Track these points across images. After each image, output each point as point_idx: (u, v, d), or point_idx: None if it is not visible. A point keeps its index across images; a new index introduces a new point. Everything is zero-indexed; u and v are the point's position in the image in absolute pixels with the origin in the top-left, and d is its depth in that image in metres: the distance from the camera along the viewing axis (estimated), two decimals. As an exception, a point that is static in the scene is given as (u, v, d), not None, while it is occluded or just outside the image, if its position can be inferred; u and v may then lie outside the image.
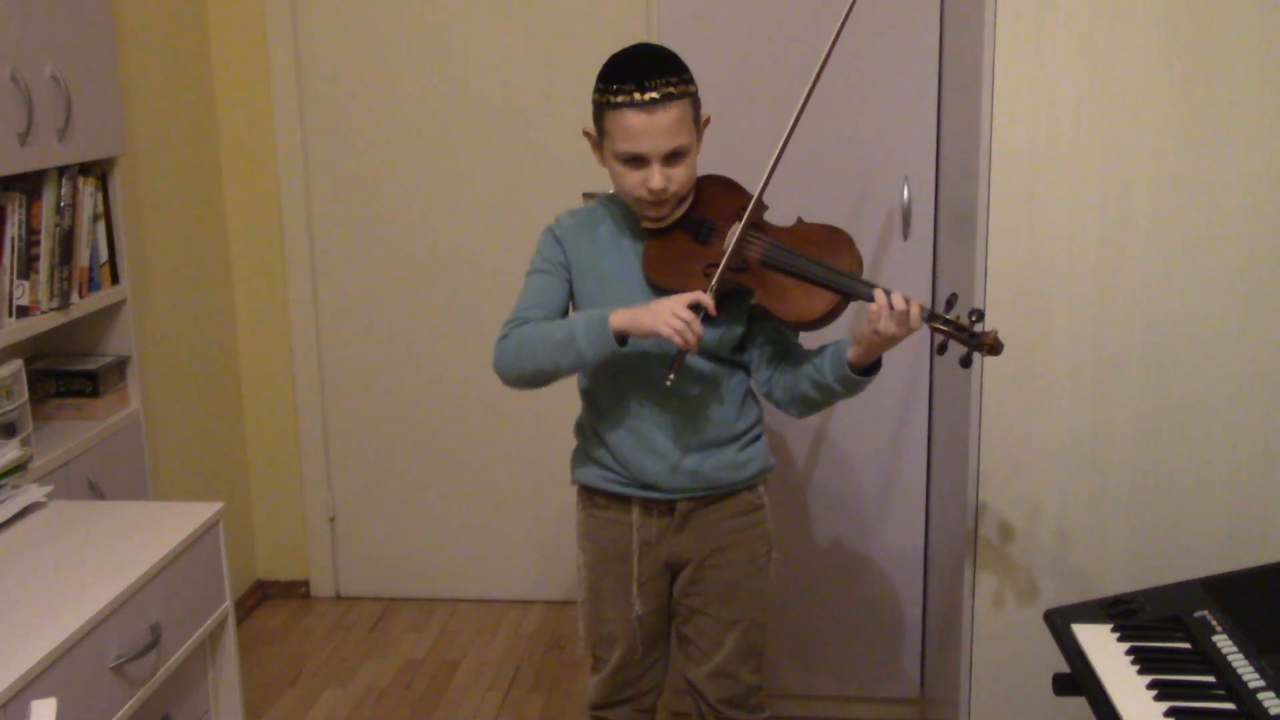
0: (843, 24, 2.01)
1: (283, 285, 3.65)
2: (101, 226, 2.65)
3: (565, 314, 2.10)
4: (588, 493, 2.20)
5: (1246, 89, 2.07)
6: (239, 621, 2.69)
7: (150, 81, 3.18)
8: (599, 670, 2.26)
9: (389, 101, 3.52)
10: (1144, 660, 1.75)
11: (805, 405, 2.07)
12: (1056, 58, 2.11)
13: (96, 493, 2.57)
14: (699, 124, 2.02)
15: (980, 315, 1.88)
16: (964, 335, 1.87)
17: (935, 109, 2.66)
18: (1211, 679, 1.68)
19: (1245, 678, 1.64)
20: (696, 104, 1.99)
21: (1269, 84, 2.06)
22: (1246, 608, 1.84)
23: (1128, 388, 2.20)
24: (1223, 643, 1.74)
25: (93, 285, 2.63)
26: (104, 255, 2.67)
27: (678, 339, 1.87)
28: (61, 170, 2.49)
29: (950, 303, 1.90)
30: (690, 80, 1.97)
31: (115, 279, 2.72)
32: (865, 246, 2.71)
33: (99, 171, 2.64)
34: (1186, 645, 1.78)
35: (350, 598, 3.84)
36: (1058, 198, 2.15)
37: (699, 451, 2.09)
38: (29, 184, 2.42)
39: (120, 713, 1.82)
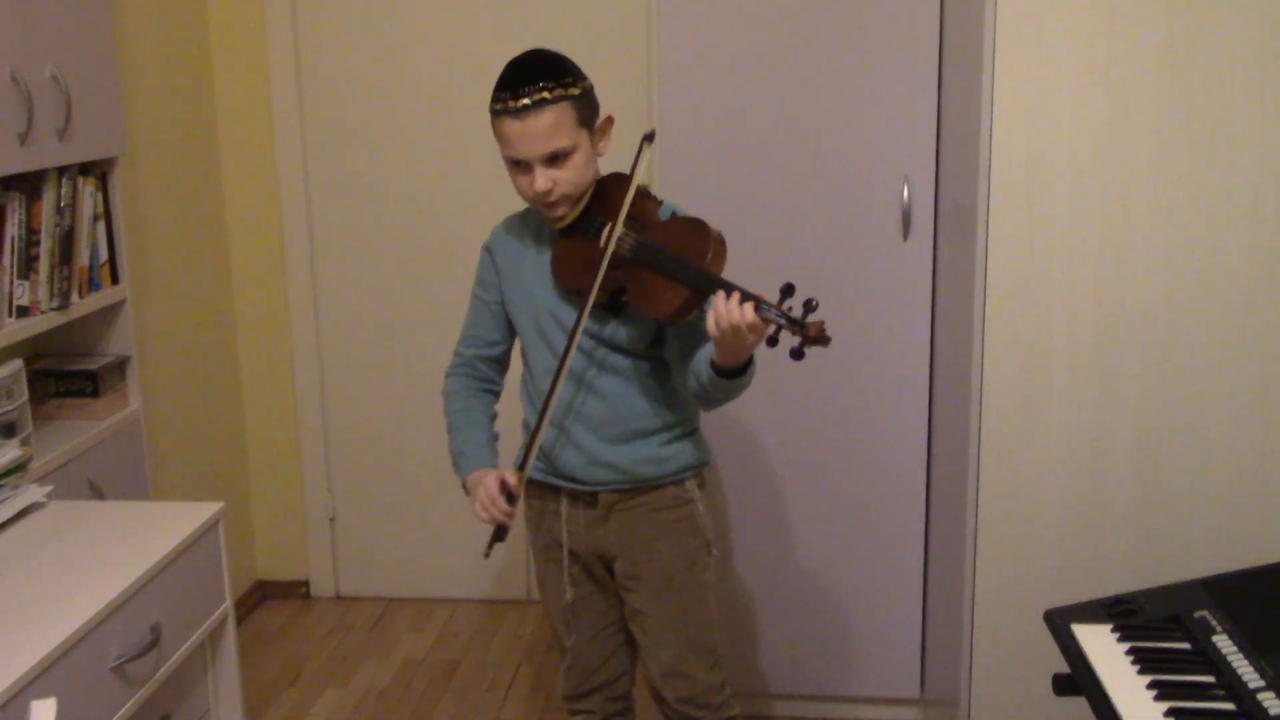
0: (635, 161, 2.01)
1: (283, 285, 3.65)
2: (101, 226, 2.65)
3: (504, 334, 2.22)
4: (527, 484, 2.23)
5: (1247, 88, 2.07)
6: (239, 621, 2.69)
7: (150, 81, 3.18)
8: (564, 662, 2.31)
9: (389, 102, 3.52)
10: (1144, 660, 1.75)
11: (702, 402, 2.06)
12: (1056, 58, 2.11)
13: (96, 493, 2.57)
14: (590, 125, 2.02)
15: (814, 305, 1.81)
16: (790, 325, 1.80)
17: (935, 109, 2.66)
18: (1211, 679, 1.68)
19: (1245, 678, 1.64)
20: (582, 105, 1.99)
21: (1270, 83, 2.06)
22: (1246, 608, 1.84)
23: (1128, 386, 2.20)
24: (1223, 643, 1.74)
25: (93, 285, 2.63)
26: (104, 255, 2.67)
27: (484, 516, 2.06)
28: (61, 170, 2.49)
29: (785, 293, 1.84)
30: (573, 84, 1.97)
31: (115, 279, 2.72)
32: (865, 246, 2.72)
33: (99, 171, 2.64)
34: (1186, 645, 1.78)
35: (350, 598, 3.84)
36: (1058, 198, 2.15)
37: (617, 444, 2.11)
38: (29, 184, 2.42)
39: (120, 713, 1.82)
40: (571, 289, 2.07)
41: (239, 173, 3.58)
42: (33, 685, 1.61)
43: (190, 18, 3.41)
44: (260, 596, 3.84)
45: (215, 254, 3.57)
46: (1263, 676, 1.63)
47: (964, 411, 2.33)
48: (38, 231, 2.43)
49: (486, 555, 2.13)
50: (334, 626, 3.66)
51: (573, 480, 2.15)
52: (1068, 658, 1.84)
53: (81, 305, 2.58)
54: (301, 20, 3.49)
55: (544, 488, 2.20)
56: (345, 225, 3.61)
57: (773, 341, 1.84)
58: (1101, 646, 1.81)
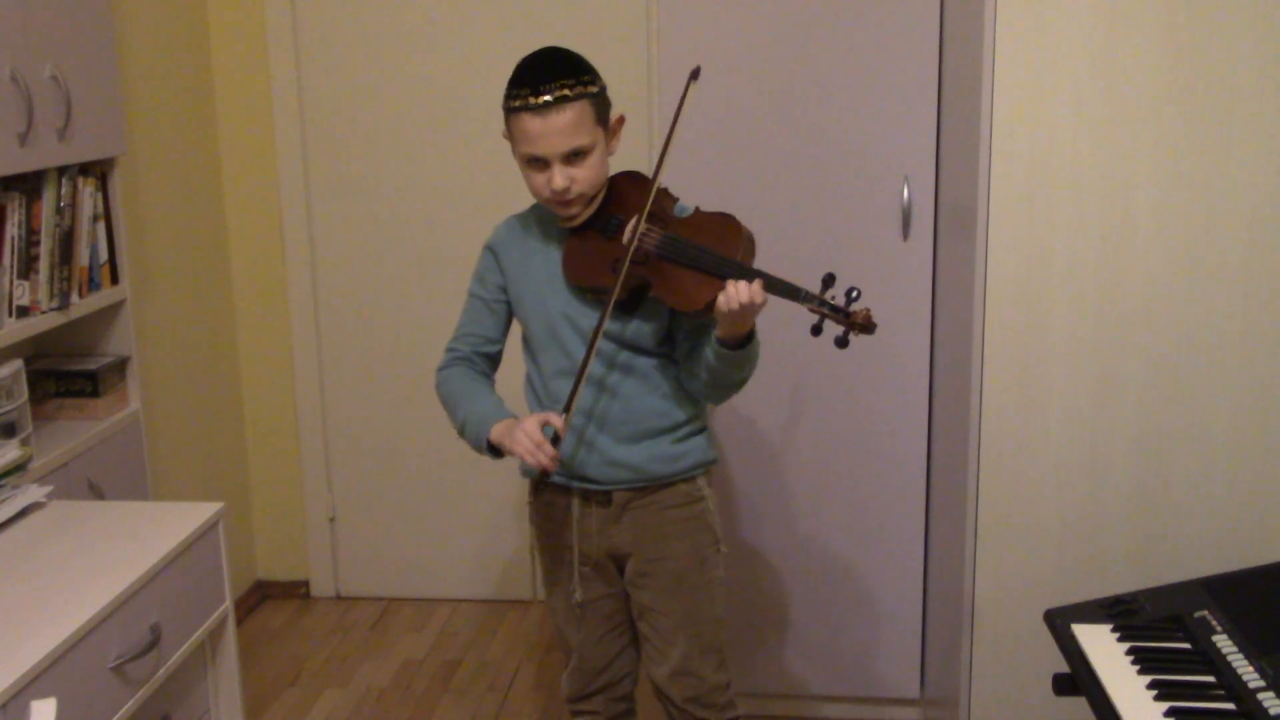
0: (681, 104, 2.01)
1: (283, 285, 3.65)
2: (101, 226, 2.65)
3: (502, 332, 2.21)
4: (533, 483, 2.23)
5: (1248, 88, 2.07)
6: (239, 621, 2.69)
7: (150, 81, 3.18)
8: (568, 663, 2.30)
9: (389, 102, 3.52)
10: (1144, 660, 1.75)
11: (710, 390, 2.07)
12: (1056, 58, 2.11)
13: (96, 493, 2.57)
14: (605, 124, 2.03)
15: (857, 294, 1.86)
16: (836, 315, 1.85)
17: (935, 109, 2.66)
18: (1211, 679, 1.68)
19: (1245, 678, 1.64)
20: (600, 104, 2.01)
21: (1270, 83, 2.06)
22: (1246, 608, 1.84)
23: (1128, 387, 2.20)
24: (1223, 643, 1.75)
25: (93, 285, 2.63)
26: (104, 255, 2.67)
27: (530, 460, 1.97)
28: (61, 170, 2.49)
29: (826, 282, 1.88)
30: (591, 82, 1.99)
31: (115, 279, 2.72)
32: (865, 246, 2.72)
33: (99, 171, 2.64)
34: (1186, 645, 1.78)
35: (350, 598, 3.84)
36: (1058, 198, 2.15)
37: (631, 443, 2.11)
38: (29, 184, 2.42)
39: (120, 713, 1.82)
40: (587, 287, 2.05)
41: (239, 173, 3.58)
42: (33, 685, 1.61)
43: (190, 18, 3.41)
44: (260, 596, 3.84)
45: (215, 254, 3.57)
46: (1263, 676, 1.63)
47: (964, 411, 2.33)
48: (38, 231, 2.43)
49: (538, 489, 2.18)
50: (334, 626, 3.66)
51: (586, 480, 2.14)
52: (1068, 658, 1.84)
53: (81, 305, 2.57)
54: (301, 20, 3.49)
55: (555, 488, 2.18)
56: (345, 225, 3.61)
57: (816, 330, 1.90)
58: (1101, 646, 1.82)
